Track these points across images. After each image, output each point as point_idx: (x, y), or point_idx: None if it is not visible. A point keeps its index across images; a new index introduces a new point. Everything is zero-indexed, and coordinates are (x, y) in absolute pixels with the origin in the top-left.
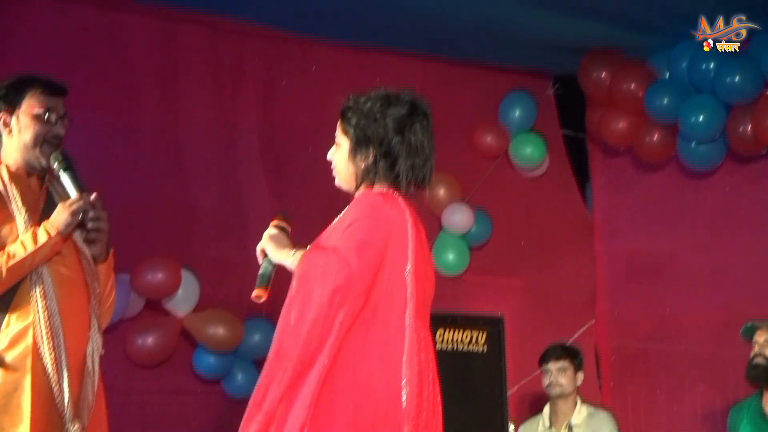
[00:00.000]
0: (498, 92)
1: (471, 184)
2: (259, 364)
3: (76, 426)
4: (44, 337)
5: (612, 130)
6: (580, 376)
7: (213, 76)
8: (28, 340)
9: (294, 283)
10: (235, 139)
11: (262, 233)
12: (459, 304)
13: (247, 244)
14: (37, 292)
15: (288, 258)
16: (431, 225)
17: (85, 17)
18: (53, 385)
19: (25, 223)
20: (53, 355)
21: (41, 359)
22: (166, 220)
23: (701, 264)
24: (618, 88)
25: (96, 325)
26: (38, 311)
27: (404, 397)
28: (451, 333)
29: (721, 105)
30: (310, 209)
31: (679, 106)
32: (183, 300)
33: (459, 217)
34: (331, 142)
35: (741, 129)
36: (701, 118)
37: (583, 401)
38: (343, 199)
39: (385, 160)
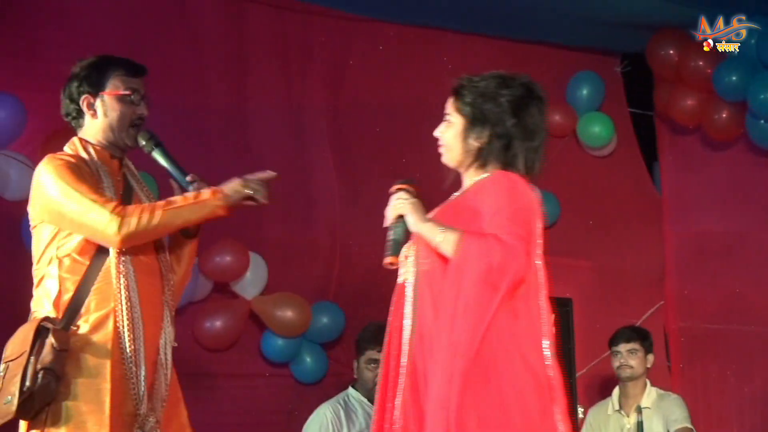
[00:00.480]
0: (565, 71)
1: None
2: (326, 347)
3: (151, 419)
4: (125, 326)
5: (680, 109)
6: (651, 358)
7: (281, 56)
8: (109, 327)
9: (453, 268)
10: (302, 120)
11: (329, 216)
12: None
13: (313, 227)
14: (121, 279)
15: (436, 233)
16: None
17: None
18: (131, 376)
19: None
20: (133, 346)
21: (121, 348)
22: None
23: None
24: (686, 66)
25: (169, 317)
26: (121, 299)
27: (551, 372)
28: None
29: None
30: (377, 191)
31: (747, 84)
32: (251, 283)
33: None
34: (398, 123)
35: None
36: None
37: (653, 384)
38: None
39: (499, 141)
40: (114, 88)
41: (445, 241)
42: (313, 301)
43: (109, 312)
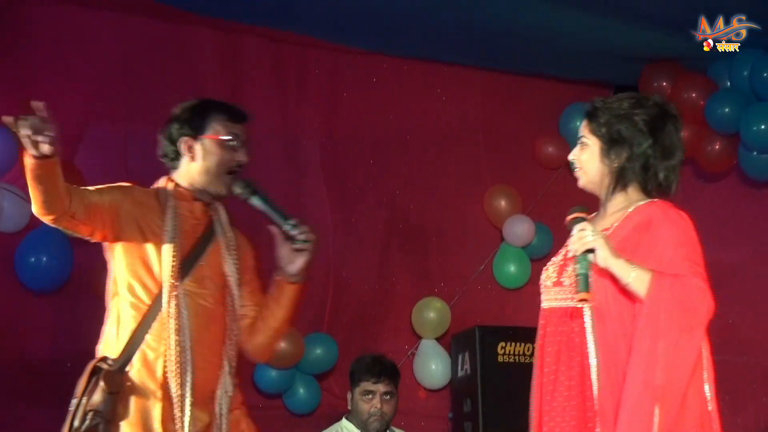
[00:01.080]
0: (558, 103)
1: (531, 196)
2: (319, 378)
3: None
4: (172, 371)
5: None
6: None
7: (276, 87)
8: (159, 370)
9: (648, 309)
10: (296, 151)
11: (322, 246)
12: (520, 317)
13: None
14: (171, 324)
15: (628, 272)
16: (491, 237)
17: (148, 29)
18: (176, 421)
19: (171, 246)
20: (179, 391)
21: (169, 392)
22: None
23: (764, 274)
24: (678, 97)
25: (228, 368)
26: (170, 344)
27: (710, 406)
28: (513, 346)
29: None
30: (371, 221)
31: (740, 115)
32: None
33: (520, 230)
34: (391, 154)
35: None
36: (762, 127)
37: None
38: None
39: (638, 161)
40: (215, 132)
41: (638, 280)
42: (306, 332)
43: (159, 355)
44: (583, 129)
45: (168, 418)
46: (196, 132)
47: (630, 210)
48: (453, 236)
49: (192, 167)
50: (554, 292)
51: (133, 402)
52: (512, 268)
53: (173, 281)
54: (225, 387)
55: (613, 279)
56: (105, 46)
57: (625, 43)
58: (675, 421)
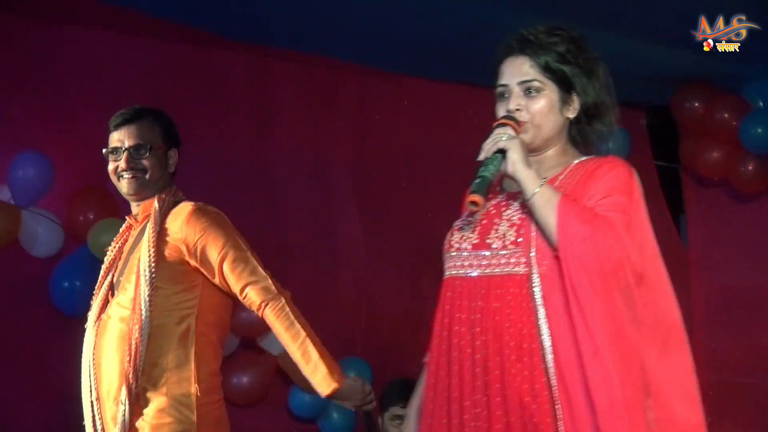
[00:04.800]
0: None
1: None
2: None
3: None
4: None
5: (706, 161)
6: None
7: (306, 110)
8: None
9: (557, 230)
10: (327, 173)
11: (354, 269)
12: None
13: (338, 280)
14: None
15: (533, 183)
16: None
17: (179, 54)
18: None
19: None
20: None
21: None
22: (260, 257)
23: None
24: (711, 118)
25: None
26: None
27: None
28: None
29: None
30: (402, 244)
31: None
32: (278, 339)
33: None
34: (423, 177)
35: None
36: None
37: None
38: (431, 237)
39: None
40: (106, 145)
41: (542, 197)
42: (340, 356)
43: None
44: (527, 68)
45: None
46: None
47: (573, 164)
48: None
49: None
50: (476, 257)
51: None
52: None
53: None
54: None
55: None
56: (136, 73)
57: (657, 64)
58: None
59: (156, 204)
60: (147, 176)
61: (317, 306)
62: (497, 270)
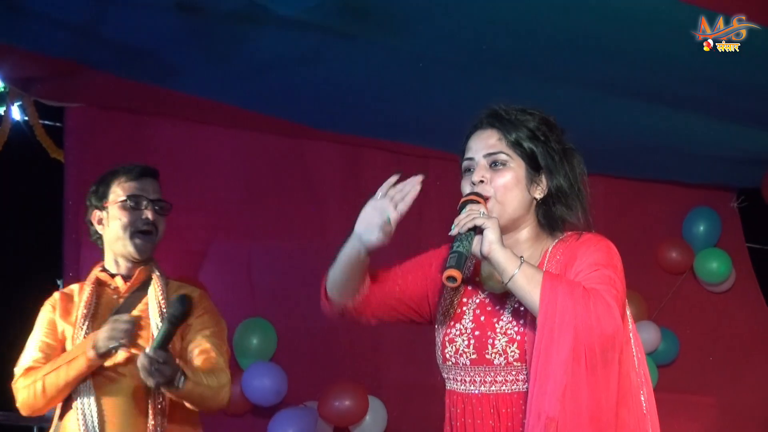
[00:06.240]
0: (681, 208)
1: (656, 302)
2: None
3: None
4: None
5: None
6: None
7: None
8: None
9: (545, 314)
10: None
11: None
12: None
13: (432, 368)
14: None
15: (512, 263)
16: None
17: (269, 145)
18: None
19: (74, 336)
20: None
21: None
22: (354, 347)
23: None
24: None
25: None
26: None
27: (645, 409)
28: None
29: None
30: None
31: None
32: (371, 427)
33: (646, 336)
34: None
35: None
36: None
37: None
38: None
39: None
40: (116, 196)
41: (526, 276)
42: None
43: None
44: (494, 141)
45: None
46: (101, 201)
47: (551, 247)
48: None
49: (106, 238)
50: (478, 373)
51: None
52: None
53: None
54: None
55: None
56: (227, 163)
57: (747, 145)
58: None
59: (158, 270)
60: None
61: (412, 395)
62: (504, 388)
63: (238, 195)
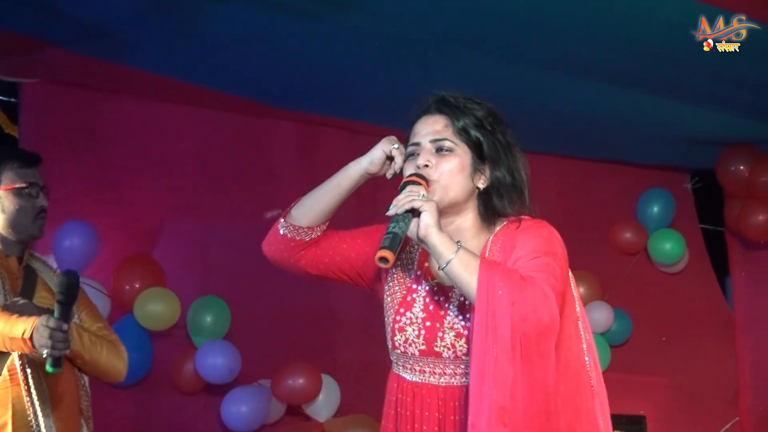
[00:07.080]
0: (635, 189)
1: (609, 282)
2: None
3: None
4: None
5: (751, 224)
6: None
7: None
8: None
9: (481, 301)
10: None
11: None
12: None
13: (385, 348)
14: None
15: (449, 248)
16: None
17: (225, 123)
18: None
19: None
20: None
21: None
22: (307, 326)
23: None
24: (757, 181)
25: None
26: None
27: (593, 383)
28: None
29: None
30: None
31: None
32: (324, 405)
33: (598, 316)
34: None
35: None
36: None
37: None
38: None
39: (499, 183)
40: (10, 182)
41: (462, 262)
42: None
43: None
44: (441, 127)
45: None
46: None
47: (494, 233)
48: None
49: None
50: (427, 364)
51: None
52: None
53: None
54: None
55: None
56: (183, 141)
57: (702, 127)
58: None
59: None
60: None
61: (364, 373)
62: (453, 380)
63: (193, 173)
